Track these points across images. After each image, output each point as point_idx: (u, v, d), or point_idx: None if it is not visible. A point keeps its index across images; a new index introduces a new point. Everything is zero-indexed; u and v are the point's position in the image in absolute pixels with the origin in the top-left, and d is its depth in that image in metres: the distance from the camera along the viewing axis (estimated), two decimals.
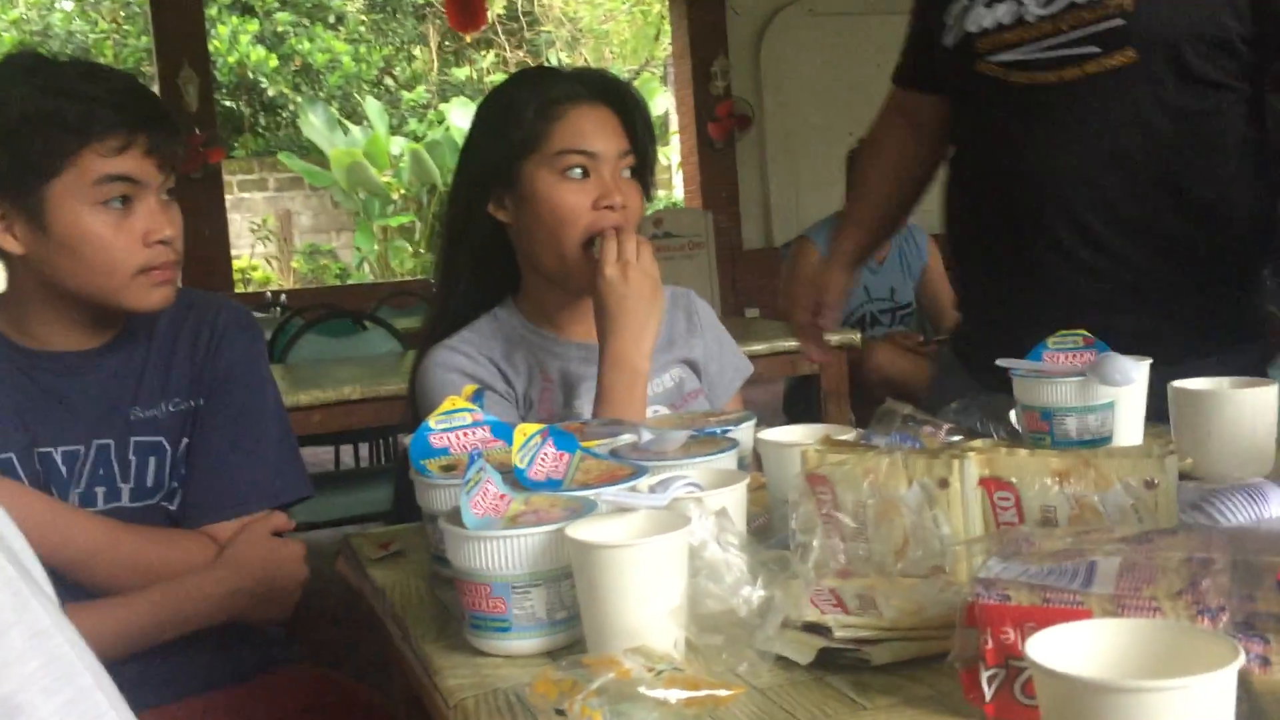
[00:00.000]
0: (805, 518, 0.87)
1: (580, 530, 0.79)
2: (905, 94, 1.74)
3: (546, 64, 11.91)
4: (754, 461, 1.15)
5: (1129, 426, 1.32)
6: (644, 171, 1.42)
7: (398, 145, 10.48)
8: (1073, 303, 1.52)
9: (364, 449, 4.22)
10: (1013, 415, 1.32)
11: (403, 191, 10.38)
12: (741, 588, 0.79)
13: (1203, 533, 0.71)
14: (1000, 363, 1.33)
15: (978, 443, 0.87)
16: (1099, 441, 1.26)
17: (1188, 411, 1.16)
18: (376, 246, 10.35)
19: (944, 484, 0.86)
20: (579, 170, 1.35)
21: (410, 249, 10.24)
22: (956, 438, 1.19)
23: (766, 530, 1.03)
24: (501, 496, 0.87)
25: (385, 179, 10.28)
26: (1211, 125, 1.47)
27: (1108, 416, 1.27)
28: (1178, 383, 1.19)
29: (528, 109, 1.36)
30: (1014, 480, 0.85)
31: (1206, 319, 1.54)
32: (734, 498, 0.89)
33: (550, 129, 1.36)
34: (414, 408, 1.42)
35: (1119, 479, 0.82)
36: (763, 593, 0.79)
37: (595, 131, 1.37)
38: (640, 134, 1.42)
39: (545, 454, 0.96)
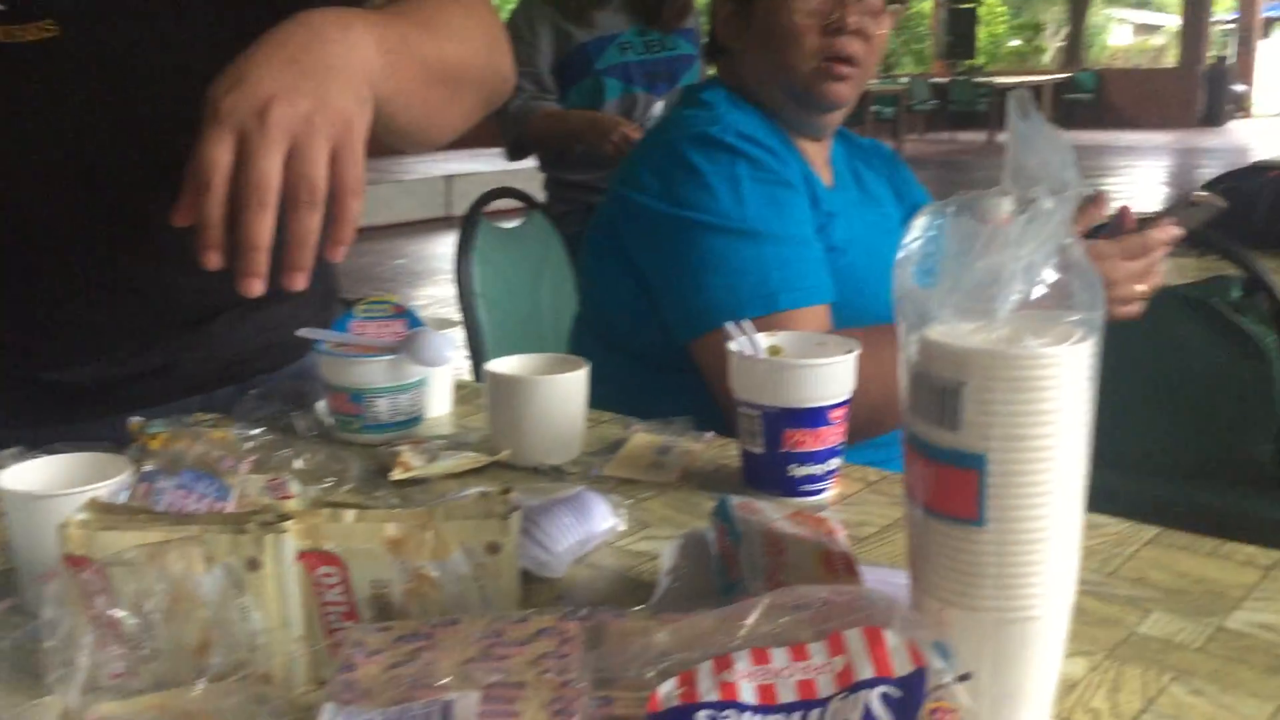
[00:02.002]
0: (66, 633, 0.65)
1: None
2: None
3: None
4: None
5: (439, 400, 1.25)
6: None
7: None
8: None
9: None
10: (319, 406, 1.17)
11: None
12: None
13: (551, 629, 0.63)
14: (301, 333, 1.17)
15: (294, 504, 0.71)
16: (411, 421, 1.17)
17: (503, 397, 1.10)
18: None
19: (254, 565, 0.69)
20: None
21: None
22: (254, 439, 1.02)
23: (17, 611, 0.79)
24: None
25: None
26: None
27: (419, 394, 1.18)
28: (492, 365, 1.12)
29: None
30: (339, 553, 0.70)
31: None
32: None
33: None
34: None
35: (459, 544, 0.71)
36: None
37: None
38: None
39: None
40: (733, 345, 1.02)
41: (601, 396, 1.23)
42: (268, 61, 0.83)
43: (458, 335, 1.24)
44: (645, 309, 1.39)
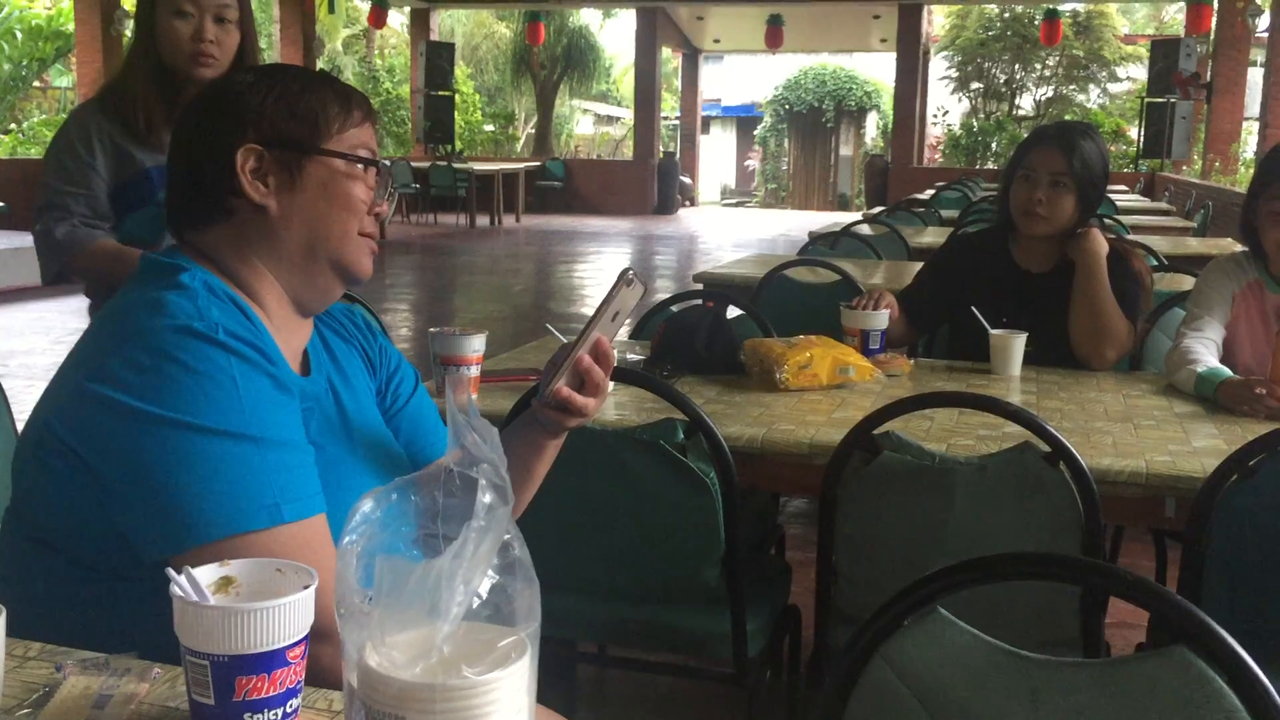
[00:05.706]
0: None
1: None
2: None
3: None
4: None
5: None
6: None
7: None
8: None
9: None
10: None
11: None
12: None
13: None
14: None
15: None
16: None
17: None
18: None
19: None
20: None
21: None
22: None
23: None
24: None
25: None
26: None
27: None
28: None
29: None
30: None
31: None
32: None
33: None
34: None
35: None
36: None
37: None
38: None
39: None
40: (175, 589, 0.93)
41: (35, 604, 1.08)
42: None
43: None
44: (97, 514, 1.22)
